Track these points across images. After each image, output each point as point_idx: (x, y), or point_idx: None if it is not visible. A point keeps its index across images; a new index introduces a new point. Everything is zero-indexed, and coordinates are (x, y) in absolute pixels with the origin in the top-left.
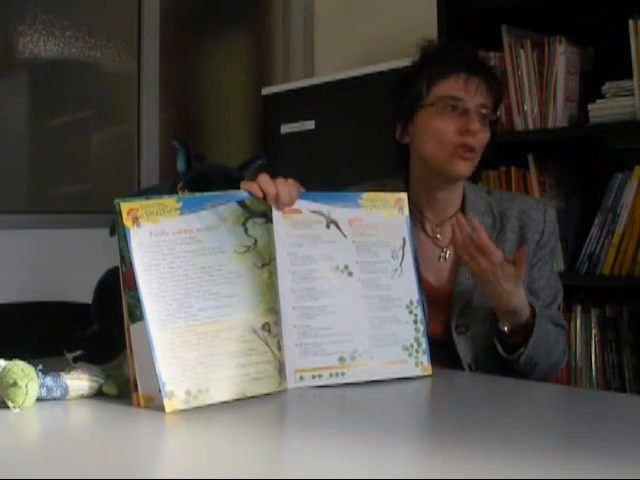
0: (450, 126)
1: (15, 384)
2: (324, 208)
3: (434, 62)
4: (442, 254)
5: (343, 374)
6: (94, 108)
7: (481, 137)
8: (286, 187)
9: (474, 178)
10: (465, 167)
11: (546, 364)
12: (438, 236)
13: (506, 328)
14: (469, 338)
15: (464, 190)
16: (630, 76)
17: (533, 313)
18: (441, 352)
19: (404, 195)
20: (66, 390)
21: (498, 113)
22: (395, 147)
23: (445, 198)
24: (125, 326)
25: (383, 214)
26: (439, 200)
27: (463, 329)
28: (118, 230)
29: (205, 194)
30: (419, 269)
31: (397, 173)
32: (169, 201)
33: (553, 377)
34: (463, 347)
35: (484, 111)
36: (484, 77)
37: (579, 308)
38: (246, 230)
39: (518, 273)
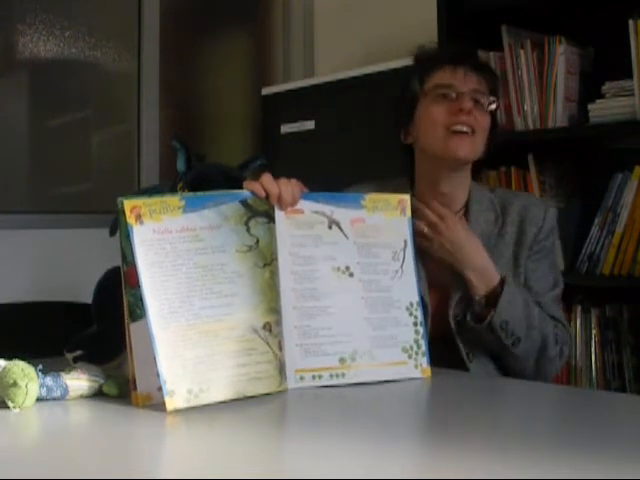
0: (443, 110)
1: (15, 384)
2: (326, 209)
3: (423, 62)
4: None
5: (343, 375)
6: (94, 108)
7: (478, 117)
8: (289, 187)
9: (475, 177)
10: (464, 147)
11: (531, 343)
12: None
13: (477, 297)
14: (466, 326)
15: (470, 188)
16: (630, 76)
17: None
18: (441, 348)
19: (407, 196)
20: (66, 390)
21: (495, 104)
22: (400, 151)
23: (450, 192)
24: (125, 324)
25: (385, 215)
26: (444, 194)
27: (460, 318)
28: (120, 228)
29: (208, 193)
30: (422, 269)
31: (399, 173)
32: (172, 199)
33: (552, 375)
34: (461, 336)
35: (478, 96)
36: (473, 67)
37: (579, 308)
38: (248, 229)
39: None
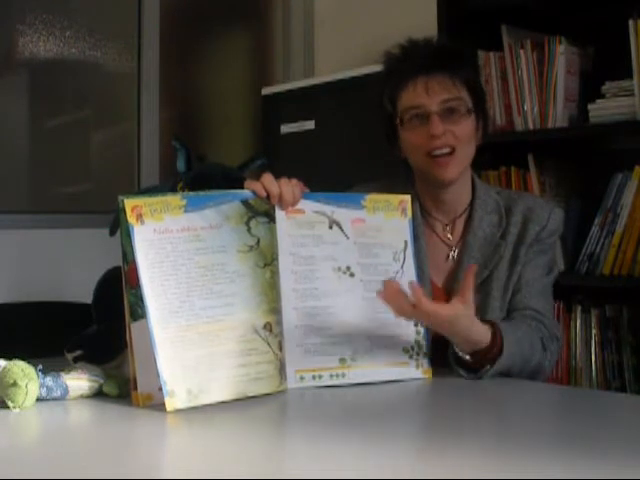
0: (418, 136)
1: (15, 384)
2: (327, 209)
3: (389, 76)
4: (451, 253)
5: (344, 375)
6: (94, 108)
7: (455, 130)
8: (290, 187)
9: (474, 165)
10: (447, 170)
11: (523, 370)
12: (449, 236)
13: (467, 357)
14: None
15: (474, 186)
16: (630, 76)
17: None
18: (442, 352)
19: (408, 197)
20: (66, 390)
21: (476, 103)
22: (399, 162)
23: (451, 199)
24: (126, 324)
25: (386, 216)
26: (445, 202)
27: None
28: (121, 227)
29: (209, 192)
30: (426, 271)
31: (399, 174)
32: (173, 199)
33: (548, 371)
34: None
35: (451, 105)
36: (439, 72)
37: (579, 308)
38: (249, 229)
39: (465, 303)
